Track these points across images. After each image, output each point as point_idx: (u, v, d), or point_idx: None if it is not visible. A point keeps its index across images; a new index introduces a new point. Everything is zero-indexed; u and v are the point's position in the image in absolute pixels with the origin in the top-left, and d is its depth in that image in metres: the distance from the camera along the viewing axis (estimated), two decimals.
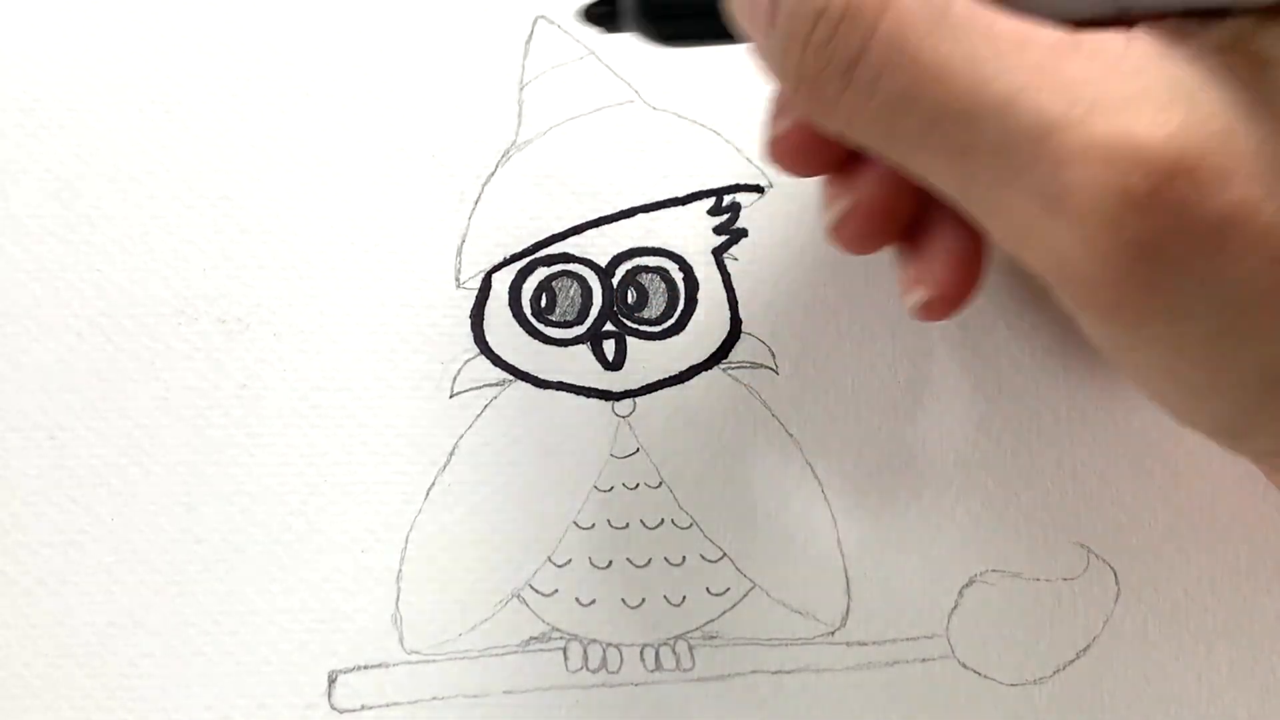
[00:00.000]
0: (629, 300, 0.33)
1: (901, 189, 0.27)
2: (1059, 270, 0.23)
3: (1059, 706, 0.31)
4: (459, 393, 0.33)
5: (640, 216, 0.34)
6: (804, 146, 0.28)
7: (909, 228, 0.28)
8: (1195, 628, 0.31)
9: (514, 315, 0.34)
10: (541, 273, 0.34)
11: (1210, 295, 0.22)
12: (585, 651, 0.31)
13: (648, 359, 0.33)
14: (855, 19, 0.23)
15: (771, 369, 0.33)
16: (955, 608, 0.31)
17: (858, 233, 0.28)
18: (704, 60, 0.35)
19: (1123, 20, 0.23)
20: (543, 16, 0.35)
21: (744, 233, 0.34)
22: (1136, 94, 0.21)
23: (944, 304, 0.27)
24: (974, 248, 0.27)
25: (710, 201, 0.34)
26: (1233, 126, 0.21)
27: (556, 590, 0.32)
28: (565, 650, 0.31)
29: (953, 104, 0.22)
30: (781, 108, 0.28)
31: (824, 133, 0.26)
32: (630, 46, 0.35)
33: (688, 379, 0.33)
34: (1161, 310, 0.22)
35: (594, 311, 0.33)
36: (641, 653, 0.31)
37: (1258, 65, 0.22)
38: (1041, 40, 0.22)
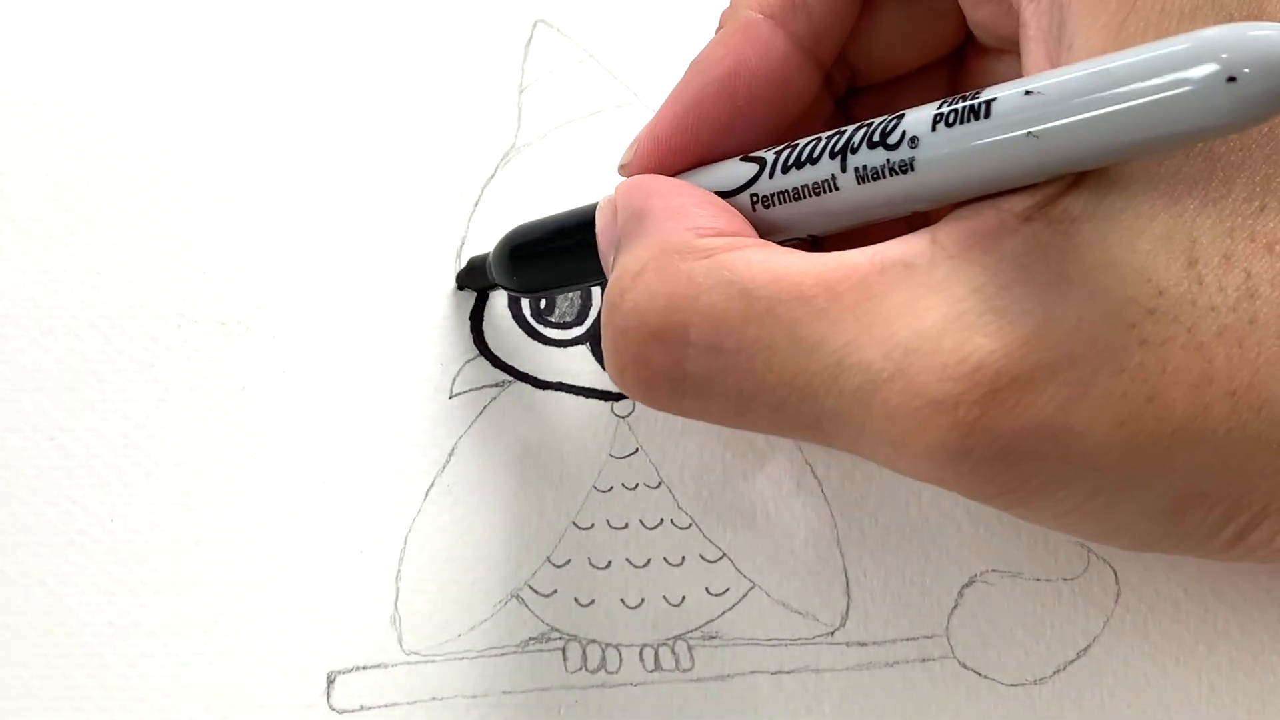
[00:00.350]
0: None
1: None
2: (938, 486, 0.23)
3: (1059, 706, 0.31)
4: (458, 394, 0.33)
5: None
6: None
7: None
8: (1196, 628, 0.31)
9: (513, 316, 0.34)
10: None
11: (1069, 473, 0.22)
12: (584, 652, 0.31)
13: None
14: (666, 337, 0.23)
15: None
16: (955, 607, 0.31)
17: None
18: None
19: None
20: (542, 21, 0.36)
21: None
22: (944, 322, 0.21)
23: None
24: None
25: None
26: (1045, 315, 0.21)
27: (555, 590, 0.31)
28: (564, 650, 0.31)
29: (789, 386, 0.23)
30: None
31: None
32: (629, 50, 0.36)
33: None
34: (1031, 496, 0.22)
35: (593, 312, 0.33)
36: (641, 653, 0.31)
37: (1064, 226, 0.21)
38: (850, 278, 0.22)
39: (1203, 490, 0.22)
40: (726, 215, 0.25)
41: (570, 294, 0.34)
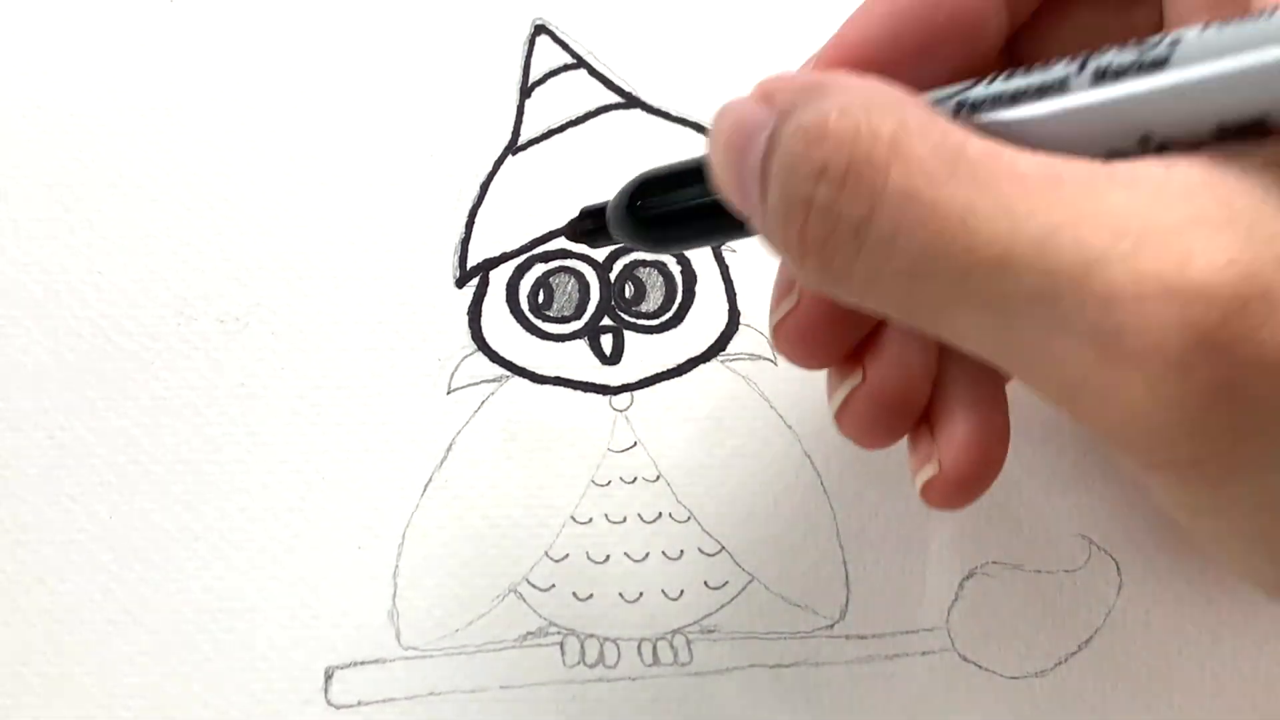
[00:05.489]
0: (626, 294, 0.33)
1: (914, 371, 0.25)
2: (1124, 426, 0.20)
3: (1060, 699, 0.30)
4: (456, 389, 0.33)
5: None
6: (813, 329, 0.26)
7: (923, 413, 0.26)
8: (1198, 619, 0.31)
9: (511, 311, 0.34)
10: (539, 269, 0.34)
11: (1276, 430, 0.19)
12: (582, 646, 0.31)
13: (646, 353, 0.33)
14: (861, 174, 0.21)
15: (770, 361, 0.33)
16: (956, 600, 0.31)
17: (867, 419, 0.26)
18: (702, 64, 0.35)
19: (1147, 151, 0.21)
20: (542, 21, 0.36)
21: None
22: (1187, 220, 0.19)
23: (954, 488, 0.26)
24: (994, 431, 0.25)
25: None
26: None
27: (554, 585, 0.31)
28: (562, 645, 0.31)
29: (982, 252, 0.20)
30: (784, 289, 0.26)
31: (833, 314, 0.25)
32: (628, 50, 0.36)
33: (686, 372, 0.33)
34: (1247, 461, 0.19)
35: (591, 306, 0.33)
36: (639, 647, 0.31)
37: None
38: (1072, 175, 0.20)
39: None
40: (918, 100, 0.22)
41: (568, 289, 0.33)
